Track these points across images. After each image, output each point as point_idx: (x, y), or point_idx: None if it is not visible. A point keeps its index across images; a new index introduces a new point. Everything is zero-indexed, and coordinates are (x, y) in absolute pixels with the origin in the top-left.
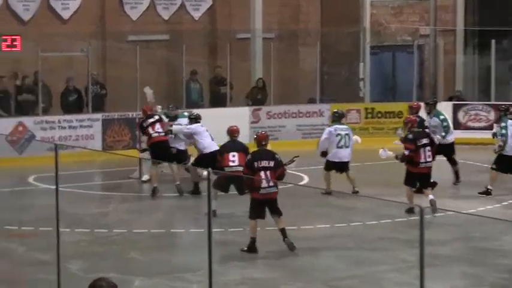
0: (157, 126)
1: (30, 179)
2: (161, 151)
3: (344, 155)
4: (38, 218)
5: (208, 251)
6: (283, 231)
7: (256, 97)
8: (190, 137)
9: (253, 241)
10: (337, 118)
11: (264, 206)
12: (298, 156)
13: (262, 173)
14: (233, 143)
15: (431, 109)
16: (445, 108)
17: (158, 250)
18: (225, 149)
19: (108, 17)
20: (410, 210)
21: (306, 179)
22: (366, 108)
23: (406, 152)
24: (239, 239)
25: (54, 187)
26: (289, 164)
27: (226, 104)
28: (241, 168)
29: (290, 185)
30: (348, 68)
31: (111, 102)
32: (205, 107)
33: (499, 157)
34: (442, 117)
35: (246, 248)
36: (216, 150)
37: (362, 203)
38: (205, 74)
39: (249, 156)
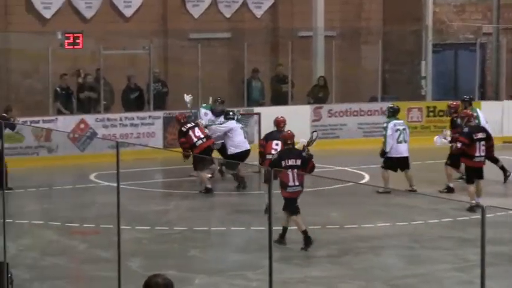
0: (198, 131)
1: (92, 177)
2: (210, 155)
3: (404, 149)
4: (99, 216)
5: (268, 249)
6: (305, 233)
7: (318, 95)
8: (225, 134)
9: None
10: (392, 113)
11: (288, 202)
12: (315, 131)
13: (290, 172)
14: (279, 133)
15: (467, 106)
16: (508, 107)
17: (218, 248)
18: (270, 136)
19: (170, 15)
20: (472, 209)
21: (366, 178)
22: (428, 107)
23: (459, 145)
24: (300, 237)
25: (115, 185)
26: (313, 141)
27: (287, 102)
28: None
29: (351, 183)
30: (410, 66)
31: (172, 100)
32: (267, 105)
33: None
34: (474, 114)
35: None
36: (246, 150)
37: (423, 201)
38: (266, 72)
39: (275, 156)
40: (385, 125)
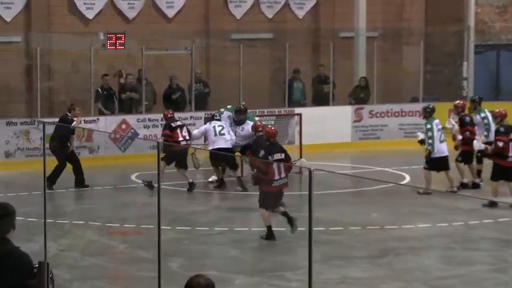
0: (184, 131)
1: (133, 177)
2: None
3: (445, 148)
4: (139, 216)
5: (308, 249)
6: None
7: (359, 96)
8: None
9: (269, 228)
10: (430, 113)
11: (276, 197)
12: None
13: (275, 166)
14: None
15: (476, 107)
16: None
17: (259, 248)
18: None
19: (212, 16)
20: (492, 204)
21: (407, 179)
22: (470, 108)
23: (500, 144)
24: (340, 238)
25: (156, 185)
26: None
27: (328, 102)
28: None
29: (391, 184)
30: (451, 67)
31: (213, 100)
32: (308, 106)
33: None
34: (483, 114)
35: (265, 236)
36: (220, 148)
37: (465, 202)
38: (308, 72)
39: (262, 152)
40: (428, 126)
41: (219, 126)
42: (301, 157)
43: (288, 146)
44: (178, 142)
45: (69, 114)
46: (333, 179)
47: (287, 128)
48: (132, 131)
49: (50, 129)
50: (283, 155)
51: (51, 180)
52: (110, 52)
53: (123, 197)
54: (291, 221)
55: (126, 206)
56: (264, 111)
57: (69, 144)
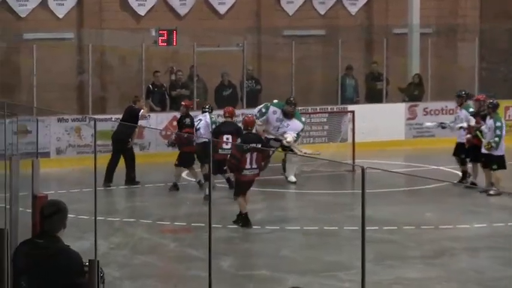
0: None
1: (183, 174)
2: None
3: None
4: (189, 214)
5: (361, 249)
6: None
7: (413, 93)
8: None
9: (246, 215)
10: (493, 109)
11: (247, 185)
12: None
13: (248, 155)
14: (230, 126)
15: (462, 102)
16: None
17: (311, 248)
18: (219, 130)
19: (264, 12)
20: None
21: None
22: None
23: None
24: (393, 237)
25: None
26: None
27: (382, 100)
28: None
29: (446, 183)
30: (507, 64)
31: (265, 97)
32: (361, 103)
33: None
34: (471, 110)
35: (240, 223)
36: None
37: None
38: (360, 69)
39: (239, 141)
40: (498, 124)
41: (198, 120)
42: (353, 155)
43: (341, 144)
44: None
45: (135, 106)
46: (386, 178)
47: (340, 126)
48: None
49: (101, 126)
50: (259, 146)
51: (109, 177)
52: (161, 49)
53: (174, 195)
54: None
55: (176, 203)
56: (316, 109)
57: (130, 139)
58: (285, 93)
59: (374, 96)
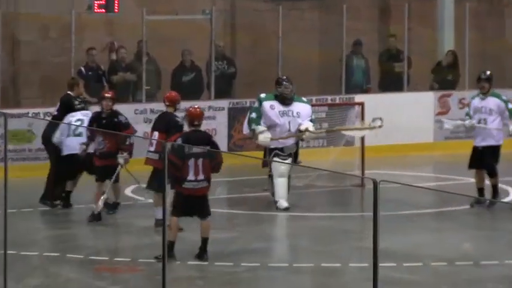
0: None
1: (128, 191)
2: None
3: None
4: (135, 246)
5: None
6: (204, 241)
7: (445, 78)
8: None
9: (171, 245)
10: None
11: (189, 202)
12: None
13: (192, 162)
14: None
15: (490, 87)
16: None
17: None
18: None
19: None
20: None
21: None
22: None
23: None
24: (418, 278)
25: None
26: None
27: (402, 87)
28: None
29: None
30: None
31: (241, 84)
32: (373, 92)
33: None
34: (504, 98)
35: (160, 256)
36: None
37: None
38: (373, 45)
39: (178, 141)
40: None
41: (77, 120)
42: (363, 164)
43: (345, 149)
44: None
45: (72, 93)
46: (407, 195)
47: (344, 122)
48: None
49: (14, 124)
50: (207, 149)
51: (48, 194)
52: (97, 17)
53: (115, 219)
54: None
55: (118, 231)
56: (311, 100)
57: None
58: (268, 78)
59: (391, 83)
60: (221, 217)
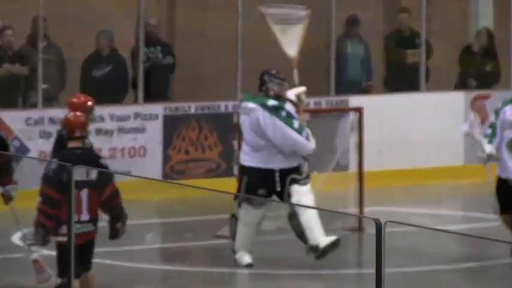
0: None
1: (15, 238)
2: None
3: None
4: None
5: None
6: None
7: (481, 70)
8: None
9: None
10: None
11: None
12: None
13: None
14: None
15: None
16: None
17: None
18: None
19: None
20: None
21: None
22: None
23: None
24: None
25: None
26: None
27: (418, 85)
28: None
29: None
30: None
31: (182, 80)
32: (376, 93)
33: None
34: None
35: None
36: None
37: None
38: (376, 25)
39: (50, 166)
40: None
41: None
42: (361, 197)
43: (335, 176)
44: None
45: None
46: (424, 242)
47: (333, 137)
48: (15, 142)
49: None
50: (93, 175)
51: None
52: None
53: None
54: None
55: None
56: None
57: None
58: (223, 74)
59: (402, 78)
60: (151, 274)
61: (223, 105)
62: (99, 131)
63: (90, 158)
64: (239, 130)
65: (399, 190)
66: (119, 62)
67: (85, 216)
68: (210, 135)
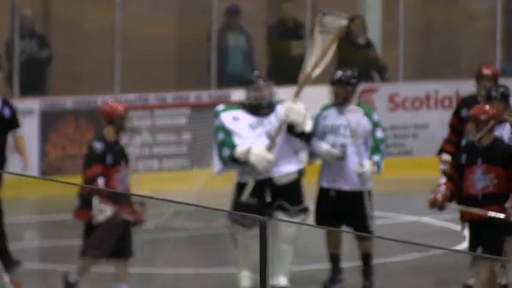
0: None
1: None
2: None
3: None
4: None
5: None
6: None
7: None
8: None
9: None
10: None
11: None
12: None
13: None
14: None
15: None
16: None
17: None
18: None
19: None
20: None
21: None
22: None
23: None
24: None
25: None
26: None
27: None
28: None
29: None
30: None
31: (59, 74)
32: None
33: None
34: None
35: None
36: None
37: None
38: (259, 15)
39: None
40: None
41: None
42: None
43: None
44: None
45: None
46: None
47: (210, 146)
48: None
49: None
50: None
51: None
52: None
53: None
54: None
55: None
56: (164, 99)
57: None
58: (100, 66)
59: (286, 72)
60: (29, 273)
61: (101, 100)
62: None
63: None
64: None
65: None
66: None
67: None
68: (88, 130)
